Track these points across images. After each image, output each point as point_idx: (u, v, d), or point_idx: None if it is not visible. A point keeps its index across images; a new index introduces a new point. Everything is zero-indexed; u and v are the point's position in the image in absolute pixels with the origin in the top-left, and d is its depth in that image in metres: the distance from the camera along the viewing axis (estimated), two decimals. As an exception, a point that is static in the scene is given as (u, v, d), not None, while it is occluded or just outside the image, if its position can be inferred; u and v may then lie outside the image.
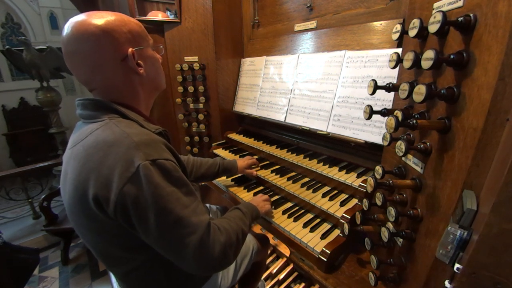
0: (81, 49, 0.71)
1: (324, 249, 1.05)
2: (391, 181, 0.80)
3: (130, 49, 0.75)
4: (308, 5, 1.55)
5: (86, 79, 0.76)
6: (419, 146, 0.73)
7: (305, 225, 1.21)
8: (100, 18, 0.72)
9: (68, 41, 0.71)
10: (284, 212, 1.31)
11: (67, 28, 0.71)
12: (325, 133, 1.38)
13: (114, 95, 0.78)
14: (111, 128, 0.70)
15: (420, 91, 0.64)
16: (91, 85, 0.77)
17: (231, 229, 0.84)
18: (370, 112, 0.85)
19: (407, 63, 0.70)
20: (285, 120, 1.62)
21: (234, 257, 0.81)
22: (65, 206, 0.78)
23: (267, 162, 1.70)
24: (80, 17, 0.72)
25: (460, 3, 0.61)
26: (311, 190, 1.34)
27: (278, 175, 1.50)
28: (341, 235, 1.11)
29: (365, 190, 1.12)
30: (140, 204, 0.64)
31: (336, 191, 1.32)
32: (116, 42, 0.73)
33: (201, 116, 2.01)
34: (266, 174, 1.53)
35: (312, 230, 1.19)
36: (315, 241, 1.13)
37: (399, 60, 0.79)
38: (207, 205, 1.50)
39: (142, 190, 0.64)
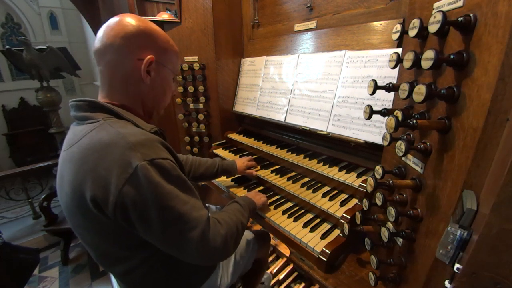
0: (121, 27, 0.76)
1: (324, 249, 1.05)
2: (391, 181, 0.80)
3: (151, 56, 0.79)
4: (308, 5, 1.55)
5: (101, 50, 0.77)
6: (419, 146, 0.73)
7: (305, 225, 1.21)
8: (155, 26, 0.81)
9: (121, 19, 0.77)
10: (284, 212, 1.31)
11: (124, 14, 0.79)
12: (325, 133, 1.38)
13: (114, 86, 0.80)
14: (106, 129, 0.70)
15: (420, 91, 0.64)
16: (101, 59, 0.78)
17: (231, 221, 0.86)
18: (370, 112, 0.85)
19: (407, 63, 0.70)
20: (285, 120, 1.62)
21: (234, 248, 0.83)
22: (62, 208, 0.79)
23: (267, 162, 1.70)
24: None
25: (460, 3, 0.61)
26: (311, 190, 1.34)
27: (278, 175, 1.50)
28: (341, 235, 1.11)
29: (365, 190, 1.12)
30: (140, 203, 0.65)
31: (336, 191, 1.32)
32: (147, 42, 0.79)
33: (201, 116, 2.01)
34: (266, 174, 1.53)
35: (312, 230, 1.19)
36: (315, 241, 1.13)
37: (399, 60, 0.79)
38: (207, 205, 1.50)
39: (142, 190, 0.64)
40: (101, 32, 0.77)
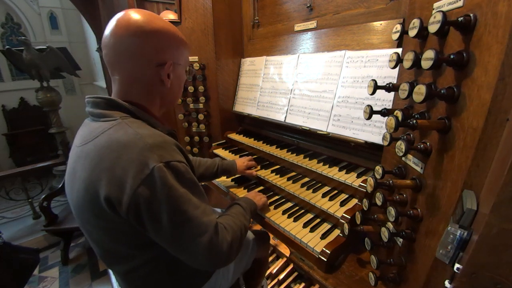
0: (132, 34, 0.73)
1: (324, 249, 1.05)
2: (391, 181, 0.80)
3: (170, 62, 0.78)
4: (308, 5, 1.55)
5: (115, 61, 0.76)
6: (419, 146, 0.73)
7: (305, 225, 1.21)
8: (162, 21, 0.78)
9: (127, 21, 0.73)
10: (284, 212, 1.31)
11: (128, 12, 0.75)
12: (325, 133, 1.38)
13: (132, 91, 0.79)
14: (124, 129, 0.70)
15: (420, 91, 0.64)
16: (116, 69, 0.77)
17: (236, 226, 0.86)
18: (370, 112, 0.85)
19: (407, 63, 0.70)
20: (285, 120, 1.62)
21: (237, 253, 0.84)
22: (70, 203, 0.79)
23: (267, 162, 1.70)
24: (145, 12, 0.77)
25: (460, 3, 0.61)
26: (311, 190, 1.34)
27: (278, 175, 1.50)
28: (341, 235, 1.11)
29: (365, 190, 1.12)
30: (153, 205, 0.65)
31: (336, 191, 1.32)
32: (162, 45, 0.77)
33: (201, 116, 2.01)
34: (266, 174, 1.53)
35: (312, 230, 1.19)
36: (315, 241, 1.12)
37: (399, 60, 0.79)
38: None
39: (156, 191, 0.65)
40: (110, 38, 0.74)
